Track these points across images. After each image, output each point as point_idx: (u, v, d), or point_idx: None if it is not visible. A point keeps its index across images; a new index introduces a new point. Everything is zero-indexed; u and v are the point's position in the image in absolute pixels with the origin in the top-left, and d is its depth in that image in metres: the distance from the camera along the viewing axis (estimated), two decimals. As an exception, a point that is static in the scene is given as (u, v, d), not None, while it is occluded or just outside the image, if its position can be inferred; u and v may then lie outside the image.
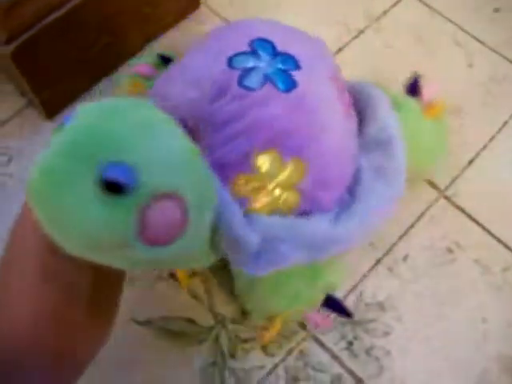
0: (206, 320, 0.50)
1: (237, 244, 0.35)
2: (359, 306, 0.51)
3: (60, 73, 0.58)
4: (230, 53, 0.39)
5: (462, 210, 0.56)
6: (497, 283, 0.52)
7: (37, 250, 0.30)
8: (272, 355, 0.49)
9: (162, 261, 0.30)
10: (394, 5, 0.68)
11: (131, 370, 0.48)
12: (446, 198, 0.57)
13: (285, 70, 0.38)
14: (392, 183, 0.41)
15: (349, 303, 0.51)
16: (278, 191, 0.37)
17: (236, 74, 0.38)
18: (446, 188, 0.57)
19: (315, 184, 0.38)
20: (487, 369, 0.48)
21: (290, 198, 0.38)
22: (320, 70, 0.40)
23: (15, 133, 0.60)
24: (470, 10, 0.69)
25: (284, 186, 0.37)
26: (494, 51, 0.66)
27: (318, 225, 0.38)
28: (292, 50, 0.39)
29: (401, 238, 0.54)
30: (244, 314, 0.50)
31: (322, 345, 0.49)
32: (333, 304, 0.44)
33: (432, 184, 0.57)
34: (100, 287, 0.32)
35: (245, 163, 0.37)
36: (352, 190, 0.41)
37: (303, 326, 0.50)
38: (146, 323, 0.50)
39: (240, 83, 0.37)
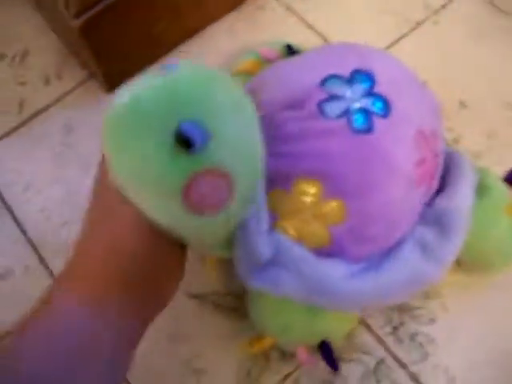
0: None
1: (247, 247, 0.35)
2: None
3: (124, 48, 0.59)
4: (330, 72, 0.37)
5: None
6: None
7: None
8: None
9: (201, 232, 0.32)
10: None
11: (181, 343, 0.50)
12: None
13: (370, 111, 0.36)
14: (430, 267, 0.38)
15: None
16: (310, 220, 0.36)
17: (321, 94, 0.36)
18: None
19: (349, 235, 0.37)
20: (532, 362, 0.49)
21: (318, 233, 0.37)
22: (411, 126, 0.37)
23: (76, 104, 0.62)
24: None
25: (318, 220, 0.36)
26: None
27: (332, 270, 0.37)
28: (392, 95, 0.37)
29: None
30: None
31: (368, 328, 0.50)
32: (324, 350, 0.43)
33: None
34: None
35: (286, 183, 0.36)
36: (385, 254, 0.38)
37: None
38: (199, 297, 0.51)
39: (319, 105, 0.36)
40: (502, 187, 0.45)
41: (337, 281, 0.36)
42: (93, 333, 0.30)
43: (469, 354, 0.49)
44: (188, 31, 0.64)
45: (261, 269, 0.36)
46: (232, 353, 0.49)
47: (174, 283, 0.35)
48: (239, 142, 0.30)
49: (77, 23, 0.54)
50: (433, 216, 0.39)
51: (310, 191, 0.36)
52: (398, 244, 0.38)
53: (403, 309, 0.50)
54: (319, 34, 0.64)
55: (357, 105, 0.36)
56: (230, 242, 0.36)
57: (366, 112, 0.36)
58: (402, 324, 0.50)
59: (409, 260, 0.38)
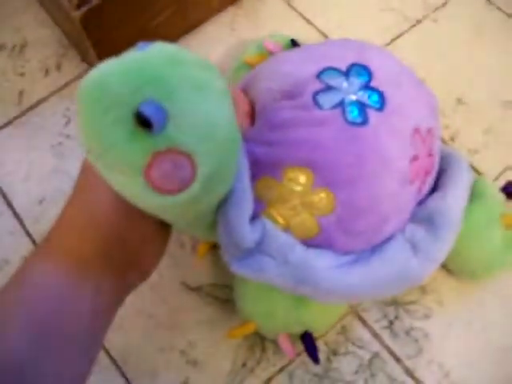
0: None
1: (229, 235, 0.35)
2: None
3: (124, 40, 0.59)
4: (327, 64, 0.37)
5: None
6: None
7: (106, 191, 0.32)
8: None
9: (165, 211, 0.32)
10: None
11: (177, 332, 0.50)
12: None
13: (365, 105, 0.36)
14: (419, 265, 0.38)
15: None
16: (299, 209, 0.36)
17: (317, 85, 0.36)
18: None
19: (338, 226, 0.36)
20: (527, 357, 0.49)
21: (307, 223, 0.36)
22: (406, 122, 0.37)
23: (75, 96, 0.62)
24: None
25: (307, 209, 0.36)
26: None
27: (319, 260, 0.36)
28: (388, 91, 0.37)
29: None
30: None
31: (363, 322, 0.50)
32: (307, 342, 0.43)
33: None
34: None
35: (275, 170, 0.36)
36: (374, 249, 0.38)
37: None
38: (196, 289, 0.51)
39: (314, 96, 0.36)
40: (498, 195, 0.45)
41: (322, 271, 0.36)
42: (69, 297, 0.31)
43: (464, 349, 0.49)
44: (189, 24, 0.64)
45: (245, 255, 0.36)
46: (228, 344, 0.49)
47: (154, 258, 0.36)
48: (201, 122, 0.29)
49: (78, 14, 0.54)
50: (425, 214, 0.39)
51: (300, 180, 0.35)
52: (388, 240, 0.38)
53: (399, 303, 0.51)
54: (319, 30, 0.65)
55: (352, 97, 0.36)
56: (213, 226, 0.36)
57: (361, 105, 0.36)
58: (397, 318, 0.50)
59: (397, 257, 0.37)
